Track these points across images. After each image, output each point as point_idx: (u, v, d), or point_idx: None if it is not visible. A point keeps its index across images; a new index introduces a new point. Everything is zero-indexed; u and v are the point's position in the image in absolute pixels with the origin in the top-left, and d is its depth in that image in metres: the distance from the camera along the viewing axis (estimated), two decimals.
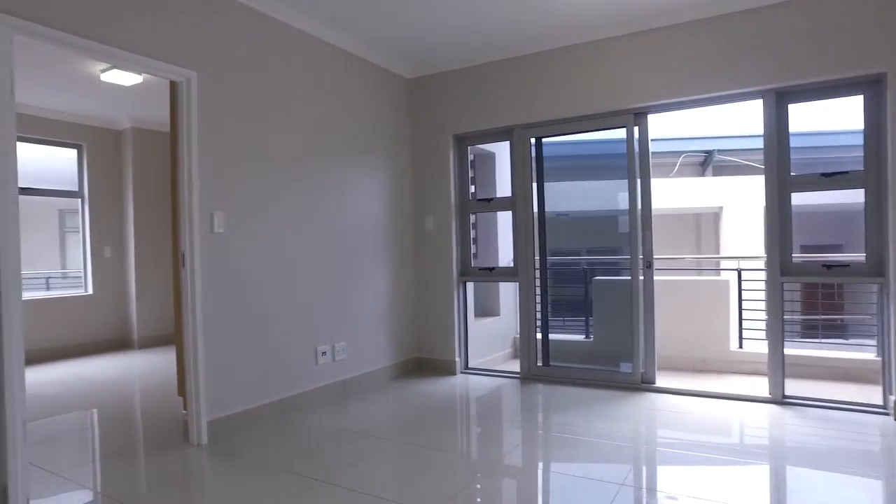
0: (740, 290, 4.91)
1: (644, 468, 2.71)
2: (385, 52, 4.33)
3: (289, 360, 3.60)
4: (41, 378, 4.67)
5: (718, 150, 11.08)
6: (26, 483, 2.41)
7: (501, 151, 5.31)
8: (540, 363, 4.43)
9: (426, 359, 4.75)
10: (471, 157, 4.93)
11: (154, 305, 6.07)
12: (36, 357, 5.25)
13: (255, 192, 3.40)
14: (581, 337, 5.18)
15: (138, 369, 4.99)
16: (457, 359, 4.63)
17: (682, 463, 2.71)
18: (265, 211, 3.46)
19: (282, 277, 3.56)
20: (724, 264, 8.17)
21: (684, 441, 3.00)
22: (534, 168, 4.41)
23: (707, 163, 11.50)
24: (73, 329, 5.62)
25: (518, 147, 4.42)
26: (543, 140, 4.41)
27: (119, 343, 5.96)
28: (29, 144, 5.50)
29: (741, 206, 9.95)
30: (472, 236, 4.80)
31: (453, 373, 4.60)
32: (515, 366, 4.67)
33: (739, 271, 5.06)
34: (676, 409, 3.50)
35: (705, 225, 11.33)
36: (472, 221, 4.80)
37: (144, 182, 6.01)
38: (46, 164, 5.82)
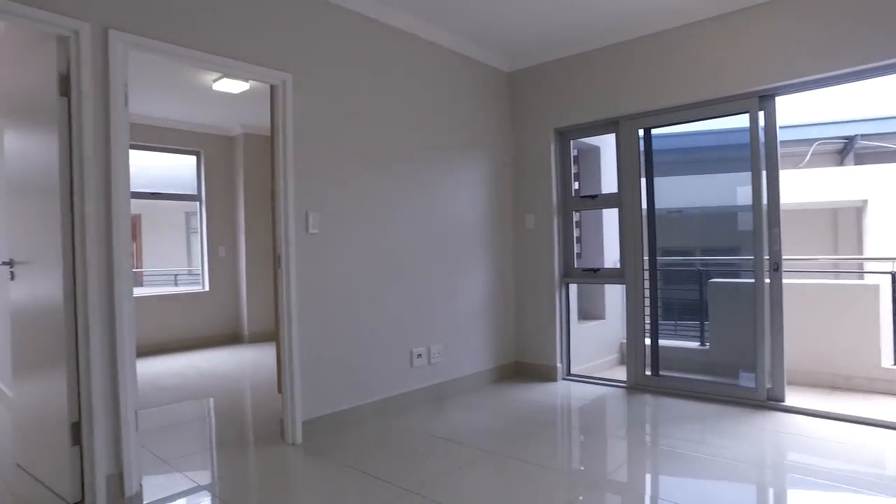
0: None
1: (771, 497, 2.35)
2: (482, 46, 4.18)
3: (383, 363, 3.57)
4: (164, 368, 5.02)
5: (861, 136, 9.80)
6: (139, 468, 2.53)
7: (607, 145, 4.98)
8: (649, 372, 4.08)
9: (526, 363, 4.56)
10: (574, 152, 4.66)
11: (262, 303, 6.37)
12: (160, 348, 5.69)
13: (351, 192, 3.39)
14: (695, 344, 4.73)
15: (248, 364, 5.23)
16: (558, 364, 4.39)
17: (817, 493, 2.32)
18: (360, 211, 3.44)
19: (377, 278, 3.53)
20: (870, 266, 7.17)
21: (821, 469, 2.57)
22: (642, 162, 4.07)
23: (847, 150, 10.23)
24: (192, 323, 6.03)
25: (625, 139, 4.10)
26: (653, 131, 4.06)
27: (231, 337, 6.32)
28: (154, 153, 5.97)
29: (892, 198, 8.71)
30: (575, 235, 4.54)
31: (554, 379, 4.37)
32: (621, 373, 4.34)
33: (894, 274, 4.37)
34: (811, 434, 3.04)
35: (844, 221, 10.06)
36: (575, 220, 4.54)
37: (254, 185, 6.32)
38: (172, 170, 6.29)
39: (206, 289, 6.26)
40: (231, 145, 6.35)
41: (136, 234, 10.20)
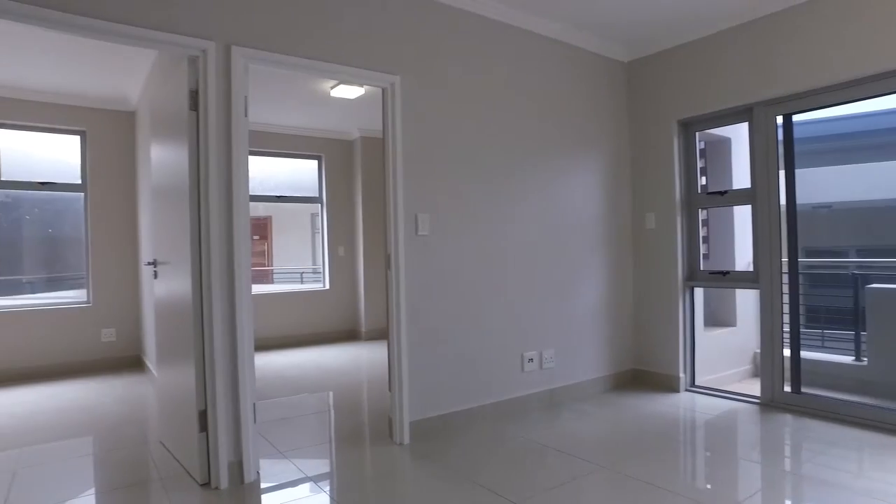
0: None
1: None
2: (598, 36, 3.97)
3: (493, 366, 3.50)
4: (286, 362, 5.34)
5: None
6: (256, 457, 2.68)
7: (738, 136, 4.52)
8: (788, 388, 3.63)
9: (645, 371, 4.26)
10: (700, 145, 4.28)
11: (379, 301, 6.57)
12: (284, 342, 6.06)
13: (460, 193, 3.36)
14: (849, 359, 4.14)
15: (364, 361, 5.42)
16: (681, 374, 4.05)
17: None
18: (470, 211, 3.40)
19: (487, 280, 3.47)
20: None
21: None
22: (780, 152, 3.62)
23: None
24: (313, 319, 6.37)
25: (759, 128, 3.68)
26: (794, 117, 3.60)
27: (350, 334, 6.60)
28: (280, 158, 6.39)
29: None
30: (701, 235, 4.17)
31: (676, 389, 4.04)
32: (754, 388, 3.91)
33: None
34: None
35: None
36: (701, 218, 4.16)
37: (371, 187, 6.54)
38: (297, 174, 6.69)
39: (327, 287, 6.59)
40: (350, 149, 6.63)
41: (266, 234, 11.05)
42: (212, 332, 2.55)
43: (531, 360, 3.68)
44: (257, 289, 6.50)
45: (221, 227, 2.58)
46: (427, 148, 3.23)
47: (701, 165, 4.26)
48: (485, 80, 3.49)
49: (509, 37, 3.61)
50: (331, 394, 4.28)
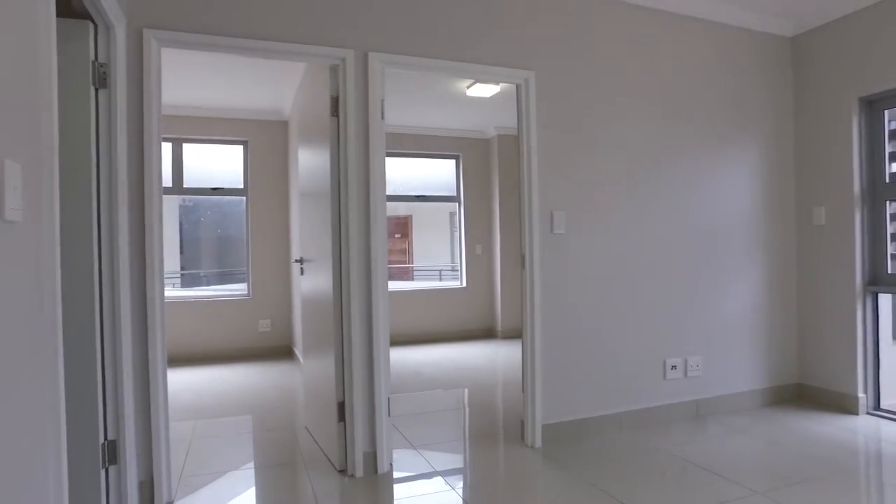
0: None
1: None
2: (755, 10, 3.55)
3: (632, 372, 3.29)
4: (423, 357, 5.49)
5: None
6: (390, 449, 2.77)
7: None
8: None
9: (812, 388, 3.75)
10: (889, 126, 3.66)
11: (515, 300, 6.52)
12: (422, 338, 6.24)
13: (599, 189, 3.19)
14: None
15: (500, 359, 5.40)
16: (860, 394, 3.50)
17: None
18: (609, 208, 3.22)
19: (627, 281, 3.27)
20: None
21: None
22: None
23: None
24: (450, 316, 6.49)
25: None
26: None
27: (486, 332, 6.62)
28: (419, 159, 6.59)
29: None
30: (889, 232, 3.56)
31: (853, 411, 3.50)
32: None
33: None
34: None
35: None
36: (889, 212, 3.56)
37: (508, 185, 6.51)
38: (434, 174, 6.86)
39: (464, 285, 6.67)
40: (486, 147, 6.65)
41: (407, 232, 11.50)
42: (350, 327, 2.67)
43: (674, 367, 3.40)
44: (397, 285, 6.78)
45: (360, 226, 2.69)
46: (563, 144, 3.11)
47: (890, 150, 3.63)
48: (623, 69, 3.28)
49: (650, 21, 3.35)
50: (465, 391, 4.32)
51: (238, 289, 5.95)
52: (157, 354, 2.35)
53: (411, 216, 11.32)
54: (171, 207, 9.07)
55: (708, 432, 3.18)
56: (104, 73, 2.18)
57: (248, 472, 2.76)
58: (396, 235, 11.43)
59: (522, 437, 3.08)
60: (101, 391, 2.15)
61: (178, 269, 10.12)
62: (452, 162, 6.71)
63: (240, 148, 5.76)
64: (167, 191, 5.58)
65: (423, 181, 6.87)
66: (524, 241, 3.05)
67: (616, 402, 3.24)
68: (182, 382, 4.62)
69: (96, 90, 2.17)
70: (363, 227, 2.71)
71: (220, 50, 2.50)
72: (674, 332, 3.41)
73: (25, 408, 1.21)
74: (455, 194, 6.75)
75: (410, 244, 11.46)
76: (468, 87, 4.81)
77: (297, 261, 3.43)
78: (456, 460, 2.90)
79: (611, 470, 2.67)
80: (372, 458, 2.70)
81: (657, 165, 3.36)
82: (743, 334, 3.63)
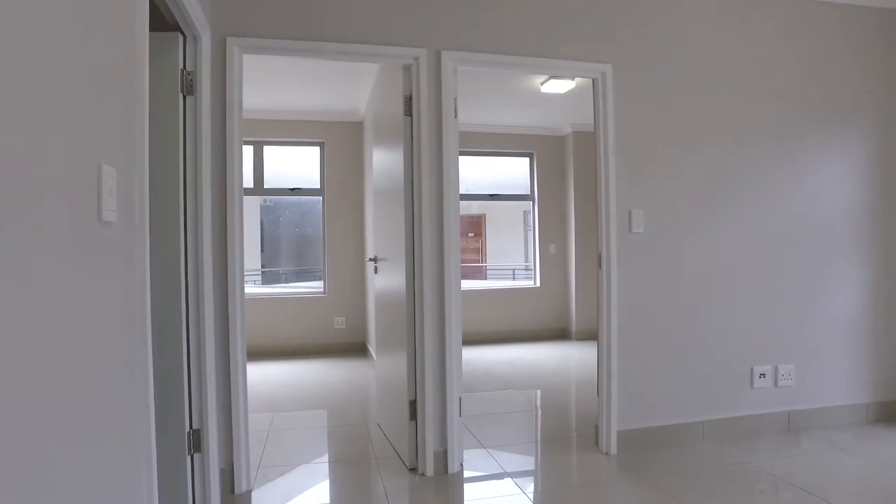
0: None
1: None
2: None
3: (715, 379, 3.10)
4: (496, 357, 5.44)
5: None
6: (460, 449, 2.75)
7: None
8: None
9: None
10: None
11: (590, 301, 6.34)
12: (494, 338, 6.19)
13: (679, 186, 3.03)
14: None
15: (573, 361, 5.27)
16: None
17: None
18: (693, 205, 3.05)
19: (709, 281, 3.09)
20: None
21: None
22: None
23: None
24: (523, 316, 6.40)
25: None
26: None
27: (559, 333, 6.48)
28: (491, 157, 6.55)
29: None
30: None
31: None
32: None
33: None
34: None
35: None
36: None
37: (584, 183, 6.33)
38: (508, 172, 6.80)
39: (537, 285, 6.57)
40: (561, 145, 6.50)
41: (480, 231, 11.48)
42: (423, 325, 2.68)
43: (763, 375, 3.17)
44: (469, 284, 6.77)
45: (433, 225, 2.70)
46: (642, 138, 2.98)
47: None
48: (709, 57, 3.09)
49: (739, 2, 3.14)
50: (538, 392, 4.24)
51: (315, 286, 6.15)
52: (238, 348, 2.45)
53: (484, 215, 11.30)
54: (251, 207, 9.52)
55: (803, 448, 2.95)
56: (191, 80, 2.30)
57: (321, 466, 2.83)
58: (469, 234, 11.44)
59: (597, 443, 2.98)
60: (186, 382, 2.27)
61: (259, 266, 10.64)
62: (526, 160, 6.62)
63: (316, 149, 5.94)
64: (248, 191, 5.84)
65: (496, 180, 6.83)
66: (601, 241, 2.95)
67: (697, 409, 3.07)
68: (260, 376, 4.82)
69: (184, 97, 2.28)
70: (436, 226, 2.70)
71: (297, 54, 2.58)
72: (763, 336, 3.18)
73: (118, 392, 1.28)
74: (529, 192, 6.66)
75: (484, 243, 11.44)
76: (542, 84, 4.72)
77: (371, 259, 3.49)
78: (527, 463, 2.85)
79: (692, 482, 2.53)
80: (443, 458, 2.69)
81: (751, 158, 3.14)
82: (843, 342, 3.33)
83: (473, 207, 10.87)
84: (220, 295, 2.44)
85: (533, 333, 6.31)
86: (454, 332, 2.71)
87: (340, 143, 5.87)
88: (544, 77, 4.56)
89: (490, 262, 11.15)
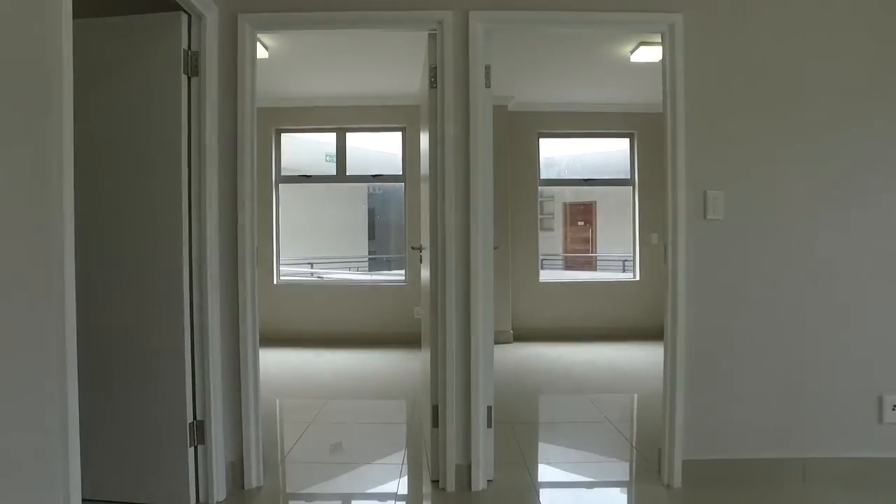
0: None
1: None
2: None
3: (827, 407, 2.45)
4: (580, 357, 4.95)
5: None
6: (487, 464, 2.43)
7: None
8: None
9: None
10: None
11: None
12: (579, 335, 5.66)
13: (770, 163, 2.43)
14: None
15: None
16: None
17: None
18: (787, 186, 2.43)
19: (813, 286, 2.44)
20: None
21: None
22: None
23: None
24: (619, 313, 5.79)
25: None
26: None
27: (657, 333, 5.74)
28: (587, 139, 5.99)
29: None
30: None
31: None
32: None
33: None
34: None
35: None
36: None
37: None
38: (609, 154, 6.20)
39: (637, 278, 5.94)
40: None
41: (591, 219, 10.76)
42: (445, 322, 2.40)
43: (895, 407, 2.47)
44: (554, 275, 6.32)
45: (458, 210, 2.39)
46: (722, 104, 2.43)
47: None
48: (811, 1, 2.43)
49: None
50: (614, 400, 3.76)
51: (398, 275, 6.07)
52: (248, 335, 2.35)
53: (595, 202, 10.58)
54: (337, 194, 9.70)
55: None
56: (196, 61, 2.20)
57: (342, 467, 2.67)
58: (579, 222, 10.79)
59: (658, 471, 2.50)
60: (190, 371, 2.20)
61: (366, 253, 10.90)
62: (626, 141, 5.98)
63: (398, 135, 5.81)
64: (330, 178, 5.88)
65: (595, 162, 6.27)
66: (666, 228, 2.46)
67: (798, 443, 2.46)
68: (327, 364, 4.80)
69: (188, 78, 2.20)
70: (461, 212, 2.40)
71: (314, 26, 2.41)
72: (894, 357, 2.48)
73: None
74: (629, 176, 6.01)
75: (594, 232, 10.73)
76: (632, 52, 4.15)
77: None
78: (570, 487, 2.47)
79: None
80: (465, 473, 2.40)
81: (869, 122, 2.44)
82: None
83: (582, 194, 10.21)
84: (228, 281, 2.34)
85: (628, 332, 5.69)
86: (482, 331, 2.40)
87: (419, 127, 5.68)
88: (633, 45, 4.01)
89: (602, 252, 10.44)
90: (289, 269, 8.54)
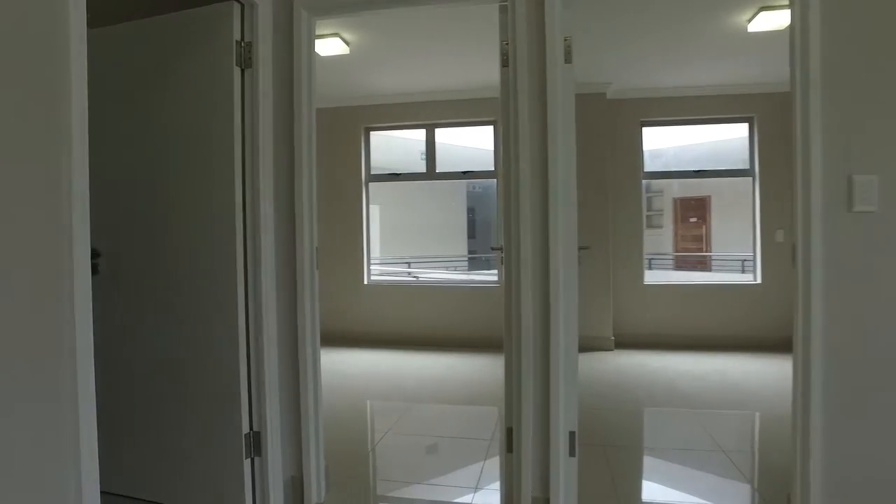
0: None
1: None
2: None
3: None
4: (691, 367, 4.40)
5: None
6: (569, 499, 2.10)
7: None
8: None
9: None
10: None
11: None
12: (686, 343, 5.06)
13: None
14: None
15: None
16: None
17: None
18: None
19: None
20: None
21: None
22: None
23: None
24: (735, 320, 5.11)
25: None
26: None
27: (782, 344, 5.00)
28: (697, 126, 5.36)
29: None
30: None
31: None
32: None
33: None
34: None
35: None
36: None
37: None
38: (718, 145, 5.54)
39: (758, 280, 5.22)
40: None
41: (705, 215, 9.81)
42: (519, 332, 2.11)
43: None
44: (662, 277, 5.76)
45: (533, 204, 2.10)
46: (870, 73, 1.92)
47: None
48: None
49: None
50: (727, 421, 3.25)
51: (492, 275, 5.81)
52: (307, 341, 2.20)
53: (709, 196, 9.62)
54: (435, 192, 9.55)
55: None
56: (248, 52, 2.08)
57: (412, 488, 2.45)
58: (691, 219, 9.88)
59: None
60: (245, 380, 2.09)
61: (465, 252, 10.72)
62: (744, 126, 5.27)
63: (490, 129, 5.53)
64: (418, 176, 5.73)
65: (707, 153, 5.63)
66: (795, 224, 1.99)
67: None
68: (416, 366, 4.64)
69: (242, 70, 2.08)
70: (538, 204, 2.10)
71: (376, 6, 2.22)
72: None
73: None
74: (749, 167, 5.30)
75: (709, 229, 9.78)
76: (749, 21, 3.58)
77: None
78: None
79: None
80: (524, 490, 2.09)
81: None
82: None
83: (691, 188, 9.34)
84: (286, 283, 2.20)
85: (746, 342, 5.00)
86: (563, 346, 2.08)
87: None
88: (751, 12, 3.45)
89: (716, 251, 9.48)
90: (387, 269, 8.57)
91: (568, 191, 2.09)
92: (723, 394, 3.73)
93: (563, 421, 2.08)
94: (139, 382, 2.20)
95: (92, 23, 2.27)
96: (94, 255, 2.23)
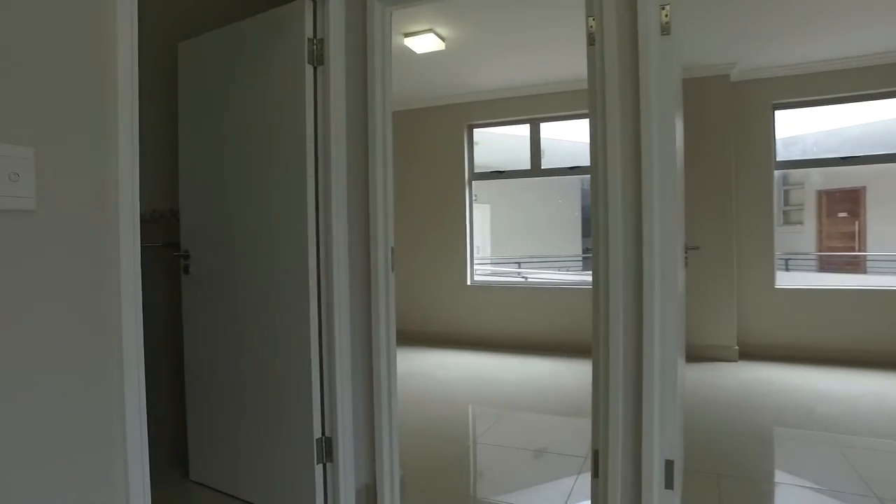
0: None
1: None
2: None
3: None
4: (828, 385, 3.78)
5: None
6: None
7: None
8: None
9: None
10: None
11: None
12: (830, 357, 4.37)
13: None
14: None
15: None
16: None
17: None
18: None
19: None
20: None
21: None
22: None
23: None
24: (880, 330, 4.33)
25: None
26: None
27: None
28: (846, 105, 4.60)
29: None
30: None
31: None
32: None
33: None
34: None
35: None
36: None
37: None
38: (871, 126, 4.73)
39: None
40: None
41: (858, 210, 8.52)
42: (607, 344, 1.87)
43: None
44: (801, 279, 5.06)
45: (626, 203, 1.85)
46: None
47: None
48: None
49: None
50: (880, 457, 2.71)
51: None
52: (381, 343, 2.12)
53: (864, 188, 8.34)
54: (547, 190, 9.20)
55: None
56: (321, 49, 2.04)
57: (481, 501, 2.29)
58: (840, 214, 8.63)
59: None
60: (318, 384, 2.05)
61: (580, 252, 10.28)
62: None
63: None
64: (523, 173, 5.50)
65: (858, 136, 4.84)
66: None
67: None
68: (515, 370, 4.45)
69: (314, 68, 2.05)
70: (629, 202, 1.85)
71: None
72: None
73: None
74: None
75: (863, 225, 8.50)
76: None
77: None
78: None
79: None
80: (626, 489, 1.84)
81: None
82: None
83: (839, 178, 8.15)
84: (359, 283, 2.14)
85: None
86: (660, 359, 1.80)
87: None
88: None
89: (871, 251, 8.21)
90: (497, 269, 8.44)
91: (668, 184, 1.81)
92: (879, 423, 3.13)
93: (658, 447, 1.81)
94: (219, 382, 2.25)
95: (185, 34, 2.38)
96: (185, 256, 2.34)
